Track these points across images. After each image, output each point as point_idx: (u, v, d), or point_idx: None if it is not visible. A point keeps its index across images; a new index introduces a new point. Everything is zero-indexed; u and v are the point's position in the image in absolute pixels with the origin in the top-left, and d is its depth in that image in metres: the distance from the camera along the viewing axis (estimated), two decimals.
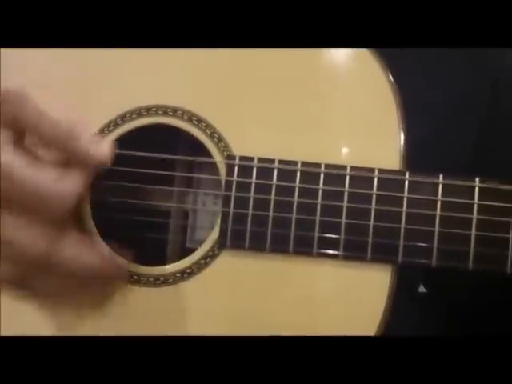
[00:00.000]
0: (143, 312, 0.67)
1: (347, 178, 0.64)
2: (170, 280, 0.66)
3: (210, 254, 0.66)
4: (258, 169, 0.65)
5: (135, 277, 0.67)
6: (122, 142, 0.68)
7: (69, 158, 0.61)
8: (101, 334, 0.66)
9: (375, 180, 0.63)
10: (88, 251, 0.62)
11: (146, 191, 0.72)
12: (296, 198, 0.64)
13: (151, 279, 0.67)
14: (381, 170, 0.63)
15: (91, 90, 0.69)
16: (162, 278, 0.66)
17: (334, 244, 0.63)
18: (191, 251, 0.67)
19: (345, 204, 0.63)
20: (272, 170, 0.65)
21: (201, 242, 0.67)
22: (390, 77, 0.65)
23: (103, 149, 0.61)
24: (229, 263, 0.65)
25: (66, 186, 0.60)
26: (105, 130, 0.68)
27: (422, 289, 0.87)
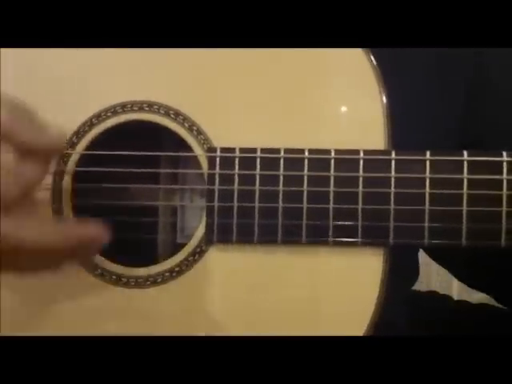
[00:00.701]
0: (135, 314, 0.65)
1: (332, 161, 0.62)
2: (159, 280, 0.65)
3: (198, 250, 0.64)
4: (240, 159, 0.63)
5: (124, 279, 0.65)
6: (100, 141, 0.67)
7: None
8: None
9: (361, 162, 0.61)
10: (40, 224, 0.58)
11: (129, 191, 0.70)
12: (281, 187, 0.62)
13: (140, 280, 0.65)
14: (366, 151, 0.62)
15: (64, 91, 0.67)
16: (151, 279, 0.65)
17: (323, 230, 0.62)
18: (183, 247, 0.66)
19: (331, 189, 0.62)
20: (255, 159, 0.63)
21: (191, 237, 0.65)
22: (372, 58, 0.63)
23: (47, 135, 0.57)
24: (217, 258, 0.64)
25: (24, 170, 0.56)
26: (80, 131, 0.67)
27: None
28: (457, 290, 0.90)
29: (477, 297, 0.83)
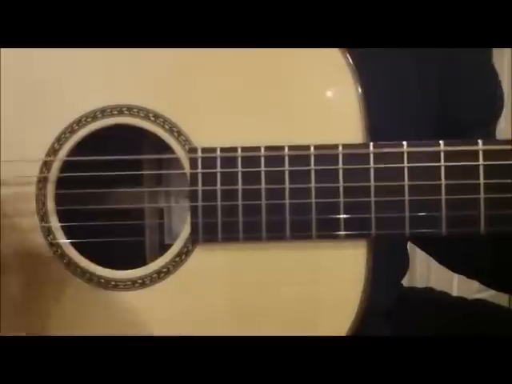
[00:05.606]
0: (126, 317, 0.66)
1: (312, 157, 0.63)
2: (148, 281, 0.65)
3: (185, 250, 0.65)
4: (221, 159, 0.64)
5: (113, 283, 0.66)
6: (81, 147, 0.67)
7: None
8: None
9: (340, 156, 0.62)
10: None
11: (113, 195, 0.71)
12: (263, 184, 0.63)
13: (129, 283, 0.66)
14: (345, 146, 0.62)
15: (42, 99, 0.67)
16: (139, 281, 0.66)
17: (306, 225, 0.63)
18: (169, 248, 0.66)
19: (313, 184, 0.62)
20: (236, 158, 0.64)
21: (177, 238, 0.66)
22: (348, 56, 0.63)
23: None
24: (204, 257, 0.65)
25: None
26: (62, 138, 0.67)
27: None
28: (456, 286, 0.90)
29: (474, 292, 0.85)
